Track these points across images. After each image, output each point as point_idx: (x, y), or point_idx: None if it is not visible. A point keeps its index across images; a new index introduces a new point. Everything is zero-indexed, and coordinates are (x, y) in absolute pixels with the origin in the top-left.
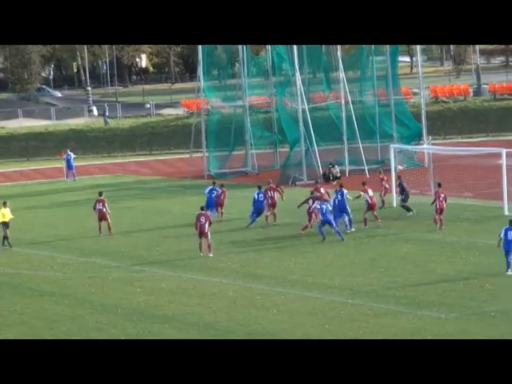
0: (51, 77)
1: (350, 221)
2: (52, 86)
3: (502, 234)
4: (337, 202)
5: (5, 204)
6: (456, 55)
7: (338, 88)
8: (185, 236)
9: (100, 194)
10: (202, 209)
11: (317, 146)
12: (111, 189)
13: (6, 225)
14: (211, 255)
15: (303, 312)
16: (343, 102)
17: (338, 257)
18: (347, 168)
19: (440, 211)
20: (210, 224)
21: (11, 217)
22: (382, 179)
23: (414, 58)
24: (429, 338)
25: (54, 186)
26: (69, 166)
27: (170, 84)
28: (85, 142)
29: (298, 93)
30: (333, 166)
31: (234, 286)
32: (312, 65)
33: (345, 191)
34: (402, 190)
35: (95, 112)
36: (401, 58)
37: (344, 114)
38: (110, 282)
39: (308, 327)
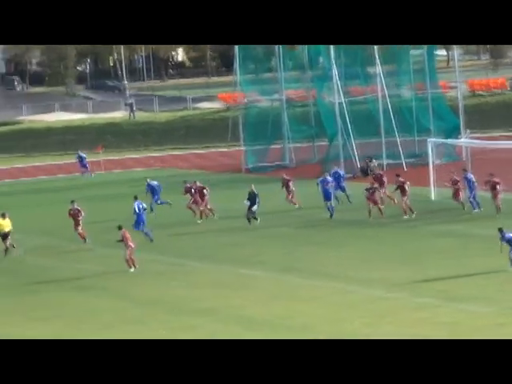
0: (87, 71)
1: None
2: (88, 80)
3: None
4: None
5: (3, 215)
6: (493, 49)
7: (375, 82)
8: (226, 230)
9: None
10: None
11: (354, 139)
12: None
13: (5, 236)
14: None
15: (343, 305)
16: (380, 95)
17: (376, 251)
18: (385, 162)
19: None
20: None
21: (10, 228)
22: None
23: (450, 52)
24: (466, 331)
25: (92, 180)
26: (82, 165)
27: (206, 78)
28: (121, 135)
29: (335, 87)
30: (370, 160)
31: (274, 280)
32: (349, 58)
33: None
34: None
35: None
36: (437, 52)
37: (381, 108)
38: (152, 275)
39: (347, 321)
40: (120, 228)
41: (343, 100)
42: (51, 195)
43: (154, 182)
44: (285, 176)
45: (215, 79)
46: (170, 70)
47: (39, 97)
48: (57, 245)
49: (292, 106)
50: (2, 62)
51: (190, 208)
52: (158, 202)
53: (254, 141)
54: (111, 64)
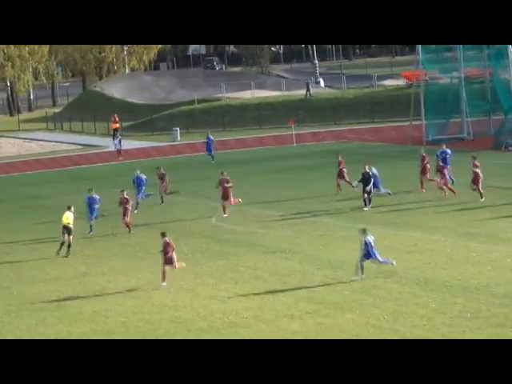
0: (281, 51)
1: None
2: (282, 60)
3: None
4: None
5: (69, 208)
6: None
7: None
8: (408, 199)
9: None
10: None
11: None
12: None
13: (67, 229)
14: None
15: None
16: None
17: None
18: None
19: None
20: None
21: (71, 222)
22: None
23: None
24: None
25: (285, 152)
26: (208, 148)
27: (390, 57)
28: (312, 110)
29: (510, 64)
30: None
31: (451, 244)
32: None
33: None
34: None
35: (322, 83)
36: None
37: None
38: (337, 239)
39: None
40: (163, 235)
41: None
42: (252, 166)
43: (143, 176)
44: (221, 177)
45: (398, 59)
46: (357, 50)
47: (236, 76)
48: (248, 211)
49: (470, 82)
50: (203, 45)
51: None
52: (143, 196)
53: (435, 115)
54: (302, 45)
